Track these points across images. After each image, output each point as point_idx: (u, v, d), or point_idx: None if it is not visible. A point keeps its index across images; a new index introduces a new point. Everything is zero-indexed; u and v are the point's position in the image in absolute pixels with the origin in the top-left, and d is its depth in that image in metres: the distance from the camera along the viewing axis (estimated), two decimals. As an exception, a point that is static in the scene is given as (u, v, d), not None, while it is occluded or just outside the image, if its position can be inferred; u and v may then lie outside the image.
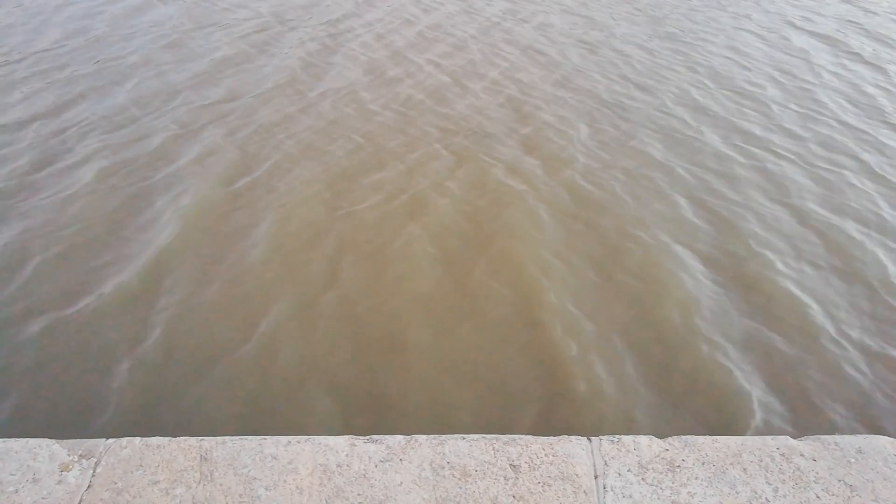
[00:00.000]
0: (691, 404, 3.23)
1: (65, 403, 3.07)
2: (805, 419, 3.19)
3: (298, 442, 2.14)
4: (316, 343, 3.47)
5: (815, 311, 3.84)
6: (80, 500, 1.92)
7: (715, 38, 7.97)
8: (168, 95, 6.00)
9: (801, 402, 3.29)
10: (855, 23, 8.66)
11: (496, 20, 8.28)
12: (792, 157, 5.46)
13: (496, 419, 3.08)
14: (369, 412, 3.10)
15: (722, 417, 3.17)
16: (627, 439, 2.18)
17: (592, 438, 2.19)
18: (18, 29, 7.25)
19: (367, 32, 7.74)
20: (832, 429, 3.12)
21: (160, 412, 3.06)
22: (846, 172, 5.27)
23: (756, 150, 5.52)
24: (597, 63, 7.11)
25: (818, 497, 1.99)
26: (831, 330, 3.71)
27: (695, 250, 4.29)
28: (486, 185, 4.89)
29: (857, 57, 7.58)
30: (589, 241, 4.34)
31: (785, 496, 1.99)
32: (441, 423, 3.00)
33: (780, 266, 4.18)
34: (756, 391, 3.30)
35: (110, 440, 2.13)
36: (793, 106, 6.32)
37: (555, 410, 3.16)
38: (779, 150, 5.53)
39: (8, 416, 2.98)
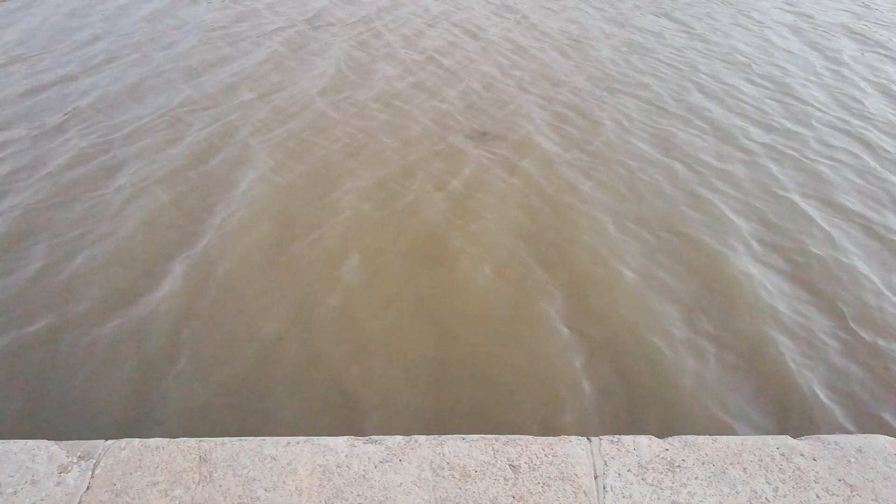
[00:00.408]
0: (755, 405, 3.25)
1: (88, 413, 3.03)
2: (848, 412, 3.23)
3: (298, 443, 2.14)
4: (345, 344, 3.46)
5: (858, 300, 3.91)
6: (79, 502, 1.91)
7: (721, 29, 7.99)
8: (200, 97, 5.95)
9: (847, 397, 3.32)
10: (857, 15, 8.69)
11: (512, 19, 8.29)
12: (813, 150, 5.53)
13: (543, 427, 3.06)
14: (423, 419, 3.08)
15: (782, 416, 3.19)
16: (627, 439, 2.18)
17: (592, 438, 2.19)
18: (45, 31, 7.20)
19: (391, 32, 7.69)
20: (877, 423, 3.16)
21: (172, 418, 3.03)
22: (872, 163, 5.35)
23: (788, 146, 5.58)
24: (610, 59, 7.14)
25: (818, 497, 1.99)
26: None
27: (734, 244, 4.34)
28: (518, 186, 4.88)
29: (866, 50, 7.63)
30: (633, 236, 4.37)
31: (785, 496, 1.99)
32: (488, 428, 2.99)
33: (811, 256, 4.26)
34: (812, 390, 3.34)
35: (109, 441, 2.13)
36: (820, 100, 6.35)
37: (597, 416, 3.14)
38: (813, 146, 5.60)
39: (30, 428, 2.94)
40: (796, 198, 4.85)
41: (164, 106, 5.76)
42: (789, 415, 3.18)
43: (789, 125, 5.88)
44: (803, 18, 8.55)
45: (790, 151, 5.46)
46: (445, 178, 4.90)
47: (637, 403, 3.20)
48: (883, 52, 7.58)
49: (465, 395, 3.20)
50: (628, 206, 4.66)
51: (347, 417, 3.05)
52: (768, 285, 3.97)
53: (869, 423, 3.15)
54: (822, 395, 3.27)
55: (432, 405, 3.15)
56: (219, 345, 3.41)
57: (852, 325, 3.72)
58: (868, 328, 3.70)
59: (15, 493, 1.94)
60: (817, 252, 4.28)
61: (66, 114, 5.53)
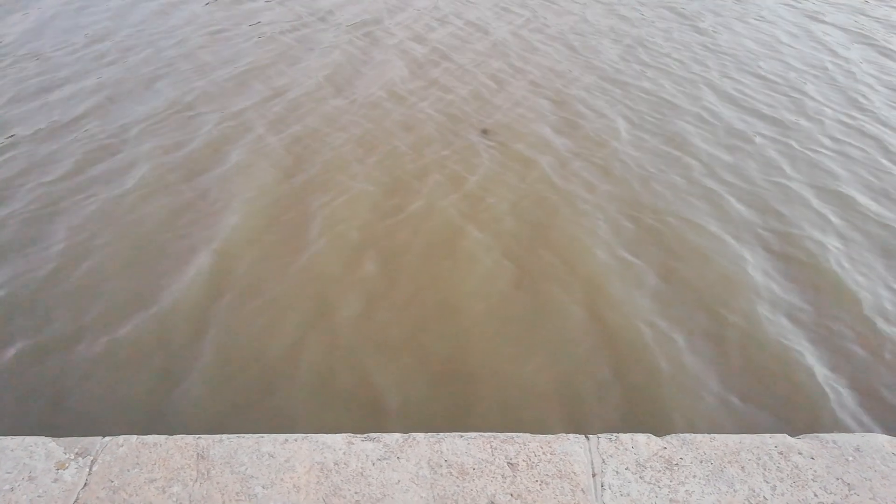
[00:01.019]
0: (762, 399, 3.25)
1: (126, 418, 3.01)
2: (863, 407, 3.24)
3: (296, 440, 2.14)
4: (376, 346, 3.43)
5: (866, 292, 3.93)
6: (77, 499, 1.91)
7: (733, 28, 7.96)
8: (211, 94, 5.88)
9: (862, 391, 3.34)
10: (869, 15, 8.67)
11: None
12: (822, 143, 5.52)
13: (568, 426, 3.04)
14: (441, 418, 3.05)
15: (795, 411, 3.20)
16: (625, 437, 2.18)
17: (590, 436, 2.19)
18: (55, 27, 7.09)
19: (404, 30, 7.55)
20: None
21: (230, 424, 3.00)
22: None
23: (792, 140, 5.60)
24: (619, 55, 7.11)
25: (816, 495, 1.99)
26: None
27: (744, 240, 4.34)
28: (529, 181, 4.87)
29: (874, 46, 7.63)
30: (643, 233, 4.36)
31: (783, 494, 1.99)
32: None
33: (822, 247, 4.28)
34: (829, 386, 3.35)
35: (106, 438, 2.12)
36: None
37: (630, 414, 3.14)
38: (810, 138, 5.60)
39: (50, 431, 2.92)
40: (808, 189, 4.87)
41: (174, 102, 5.68)
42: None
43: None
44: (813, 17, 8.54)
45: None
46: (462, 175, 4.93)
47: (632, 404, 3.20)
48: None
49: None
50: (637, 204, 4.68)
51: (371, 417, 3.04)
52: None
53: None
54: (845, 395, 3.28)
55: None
56: (241, 344, 3.39)
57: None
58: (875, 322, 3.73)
59: (12, 489, 1.93)
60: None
61: (71, 115, 5.44)
